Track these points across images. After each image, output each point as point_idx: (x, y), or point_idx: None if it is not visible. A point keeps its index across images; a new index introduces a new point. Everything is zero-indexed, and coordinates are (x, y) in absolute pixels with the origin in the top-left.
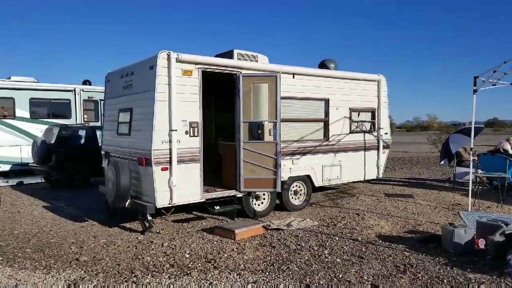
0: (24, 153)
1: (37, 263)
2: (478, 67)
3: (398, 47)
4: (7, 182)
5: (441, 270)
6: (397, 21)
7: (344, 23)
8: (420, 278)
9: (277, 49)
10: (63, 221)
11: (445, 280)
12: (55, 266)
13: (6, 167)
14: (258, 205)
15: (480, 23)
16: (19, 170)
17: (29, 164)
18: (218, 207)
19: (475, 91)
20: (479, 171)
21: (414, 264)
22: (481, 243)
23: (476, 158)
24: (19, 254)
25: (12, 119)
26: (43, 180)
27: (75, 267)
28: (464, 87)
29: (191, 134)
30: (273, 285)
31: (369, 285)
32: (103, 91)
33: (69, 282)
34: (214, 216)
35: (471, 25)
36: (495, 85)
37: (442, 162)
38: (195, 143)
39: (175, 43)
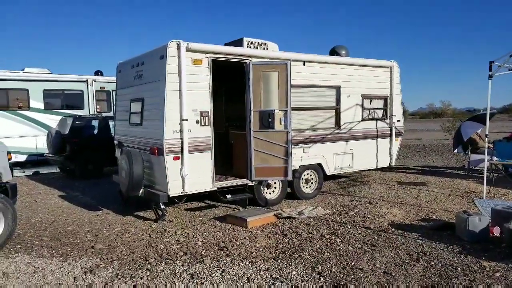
0: (40, 143)
1: (54, 251)
2: (494, 51)
3: (410, 32)
4: (24, 172)
5: (455, 258)
6: (409, 6)
7: (356, 8)
8: (434, 266)
9: (288, 36)
10: (79, 210)
11: (459, 268)
12: (72, 254)
13: (23, 158)
14: (270, 193)
15: (496, 6)
16: (35, 160)
17: (45, 154)
18: (229, 196)
19: (490, 76)
20: (494, 158)
21: (428, 252)
22: (496, 231)
23: (491, 146)
24: (37, 242)
25: (26, 110)
26: (58, 170)
27: (90, 254)
28: (479, 73)
29: (202, 123)
30: (285, 272)
31: (381, 273)
32: (115, 81)
33: (85, 270)
34: (225, 205)
35: (486, 8)
36: (511, 69)
37: (456, 151)
38: (206, 132)
39: (185, 32)
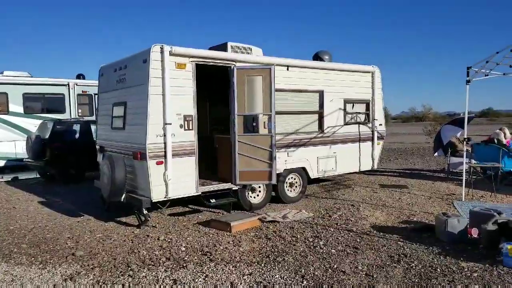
0: (19, 148)
1: (33, 258)
2: (473, 57)
3: (392, 38)
4: (2, 177)
5: (435, 260)
6: (390, 12)
7: (338, 13)
8: (414, 267)
9: (271, 41)
10: (59, 216)
11: (439, 269)
12: (51, 261)
13: (1, 163)
14: (254, 197)
15: (474, 13)
16: (14, 165)
17: (24, 160)
18: (213, 200)
19: (468, 81)
20: (473, 161)
21: (408, 254)
22: (474, 232)
23: (469, 149)
24: (15, 250)
25: (5, 114)
26: (38, 176)
27: (71, 261)
28: (459, 78)
29: (186, 128)
30: (268, 276)
31: (363, 275)
32: (97, 85)
33: (65, 277)
34: (210, 209)
35: (465, 15)
36: (487, 75)
37: (436, 154)
38: (190, 137)
39: (169, 36)
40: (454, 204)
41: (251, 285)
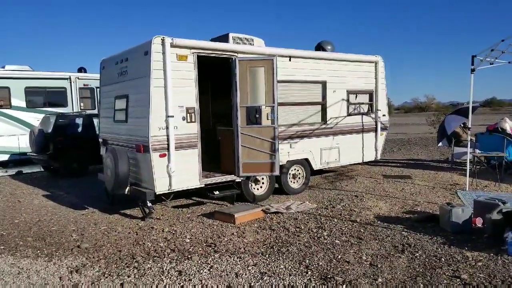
0: (22, 142)
1: (38, 251)
2: (477, 45)
3: (395, 27)
4: (6, 171)
5: (439, 249)
6: (393, 1)
7: (340, 2)
8: (418, 257)
9: (273, 32)
10: (64, 209)
11: (443, 259)
12: (57, 253)
13: (5, 157)
14: (257, 189)
15: (478, 1)
16: (17, 159)
17: (27, 154)
18: (217, 192)
19: (472, 70)
20: (477, 150)
21: (412, 244)
22: (479, 222)
23: (473, 138)
24: (21, 243)
25: (8, 108)
26: (42, 169)
27: (76, 254)
28: (462, 67)
29: (188, 120)
30: (273, 267)
31: (367, 265)
32: (99, 78)
33: (71, 269)
34: (213, 201)
35: (468, 2)
36: (492, 63)
37: (440, 144)
38: (193, 129)
39: (170, 28)
40: (458, 194)
41: (256, 275)
